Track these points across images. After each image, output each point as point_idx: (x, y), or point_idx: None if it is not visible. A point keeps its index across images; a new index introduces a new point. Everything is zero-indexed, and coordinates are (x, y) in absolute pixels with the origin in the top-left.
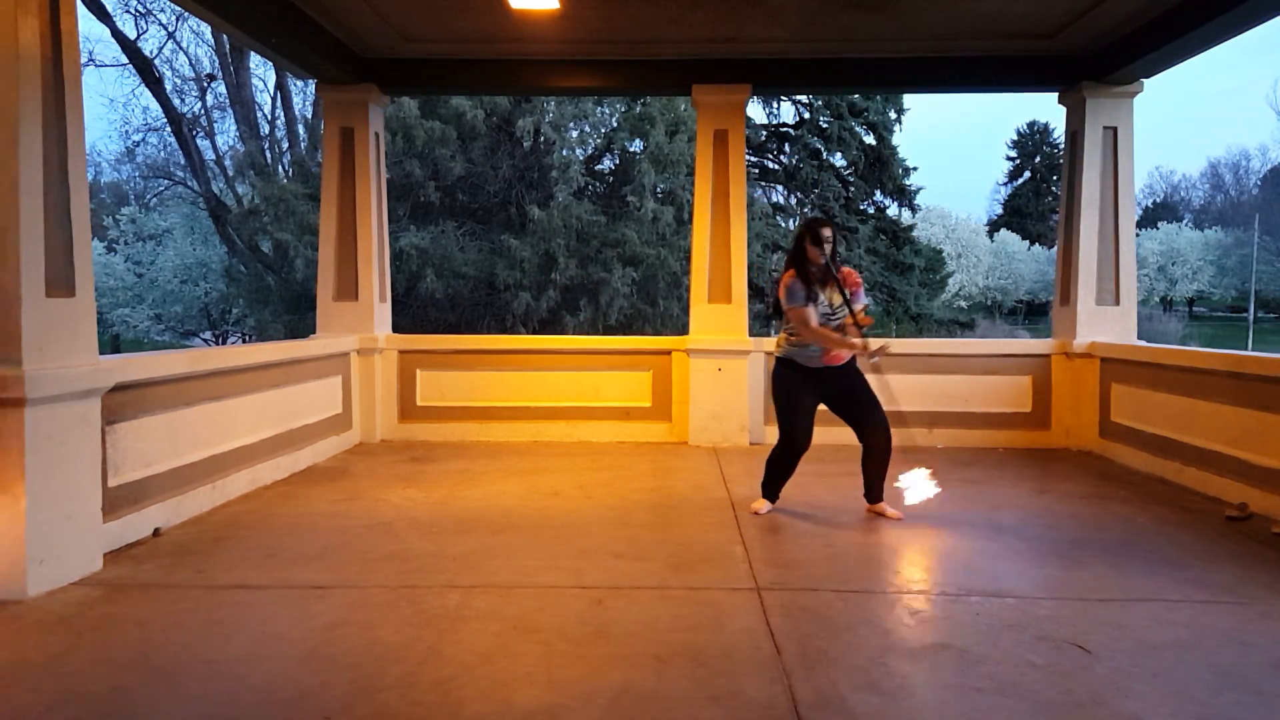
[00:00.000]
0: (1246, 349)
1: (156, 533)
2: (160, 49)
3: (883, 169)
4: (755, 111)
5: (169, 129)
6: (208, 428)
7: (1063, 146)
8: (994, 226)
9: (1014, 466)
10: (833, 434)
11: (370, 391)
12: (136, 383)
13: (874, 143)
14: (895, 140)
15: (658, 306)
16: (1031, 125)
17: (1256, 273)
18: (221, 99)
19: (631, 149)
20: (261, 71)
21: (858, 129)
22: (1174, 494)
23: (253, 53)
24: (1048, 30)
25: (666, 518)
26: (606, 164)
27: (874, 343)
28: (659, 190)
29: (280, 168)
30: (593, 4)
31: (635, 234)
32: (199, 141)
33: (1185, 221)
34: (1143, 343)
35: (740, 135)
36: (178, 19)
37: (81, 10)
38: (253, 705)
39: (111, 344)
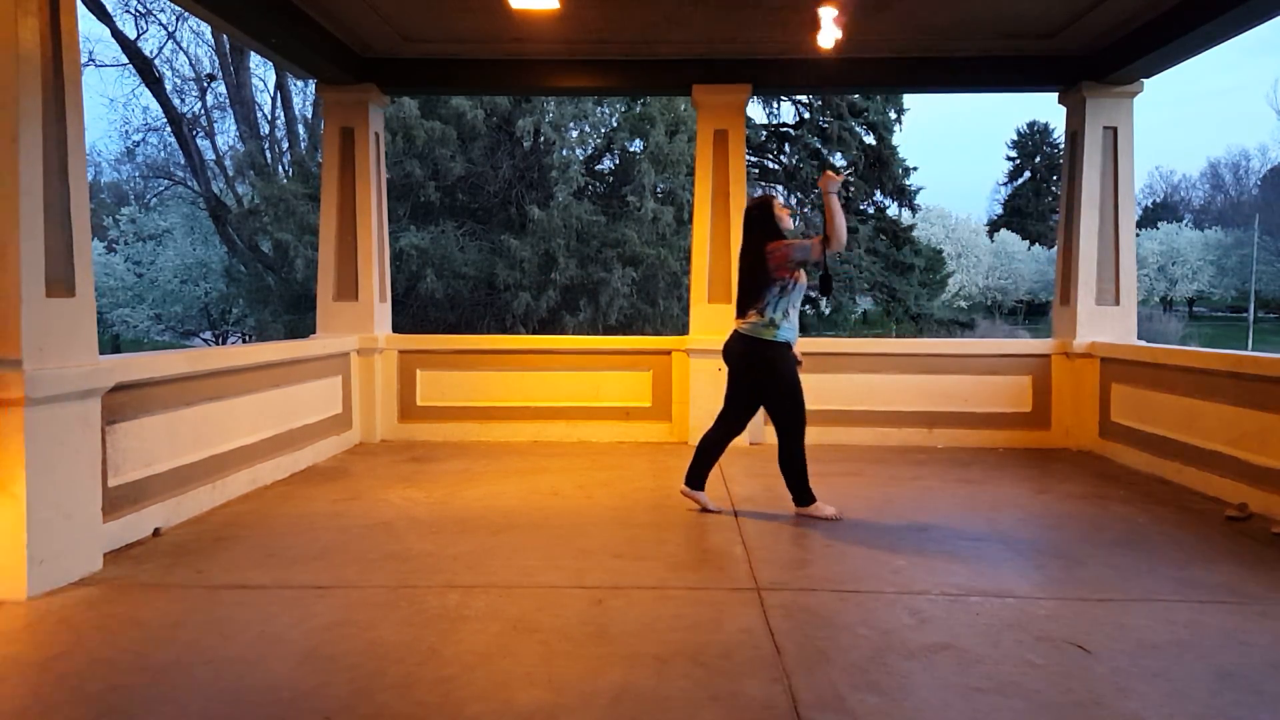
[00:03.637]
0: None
1: (156, 533)
2: (160, 49)
3: (883, 169)
4: (755, 111)
5: (169, 129)
6: (208, 428)
7: (1063, 146)
8: (994, 226)
9: (1014, 466)
10: (831, 434)
11: (370, 391)
12: (136, 383)
13: (874, 143)
14: (895, 140)
15: (658, 306)
16: (1031, 125)
17: (1256, 273)
18: (221, 99)
19: (631, 149)
20: (261, 71)
21: (858, 129)
22: (1174, 494)
23: (253, 53)
24: (1048, 30)
25: (666, 518)
26: (606, 164)
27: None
28: (659, 190)
29: (280, 168)
30: (593, 4)
31: (635, 234)
32: (199, 141)
33: (1185, 221)
34: (1143, 343)
35: (740, 135)
36: (178, 19)
37: (81, 10)
38: (253, 705)
39: (111, 344)
